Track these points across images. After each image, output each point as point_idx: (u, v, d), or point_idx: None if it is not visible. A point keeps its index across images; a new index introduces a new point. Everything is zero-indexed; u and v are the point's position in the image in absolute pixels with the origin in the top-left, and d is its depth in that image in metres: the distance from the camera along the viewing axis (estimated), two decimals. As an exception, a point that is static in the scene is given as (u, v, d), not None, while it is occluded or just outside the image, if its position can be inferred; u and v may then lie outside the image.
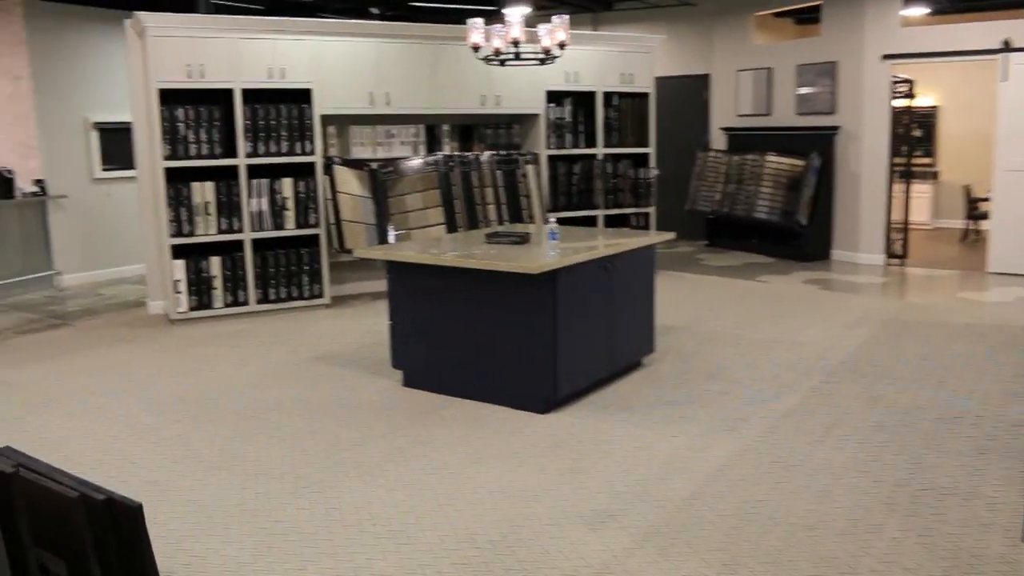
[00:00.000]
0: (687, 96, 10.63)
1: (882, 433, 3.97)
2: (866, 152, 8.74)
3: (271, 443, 4.03)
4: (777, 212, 9.11)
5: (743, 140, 9.93)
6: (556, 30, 4.88)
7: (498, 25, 4.93)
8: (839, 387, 4.66)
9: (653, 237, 5.16)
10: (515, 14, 4.70)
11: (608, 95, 8.23)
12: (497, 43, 4.89)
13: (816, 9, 9.26)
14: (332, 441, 4.03)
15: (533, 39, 4.99)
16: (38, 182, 8.24)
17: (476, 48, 4.93)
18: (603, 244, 4.79)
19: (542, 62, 4.95)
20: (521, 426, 4.16)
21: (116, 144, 8.61)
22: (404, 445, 3.95)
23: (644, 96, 8.41)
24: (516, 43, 4.73)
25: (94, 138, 8.69)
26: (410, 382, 4.85)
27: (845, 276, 8.15)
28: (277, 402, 4.64)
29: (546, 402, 4.33)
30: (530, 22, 6.63)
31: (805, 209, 8.88)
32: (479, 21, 4.92)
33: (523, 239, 4.81)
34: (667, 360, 5.25)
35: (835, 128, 8.93)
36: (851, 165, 8.89)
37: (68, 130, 8.52)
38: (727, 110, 10.29)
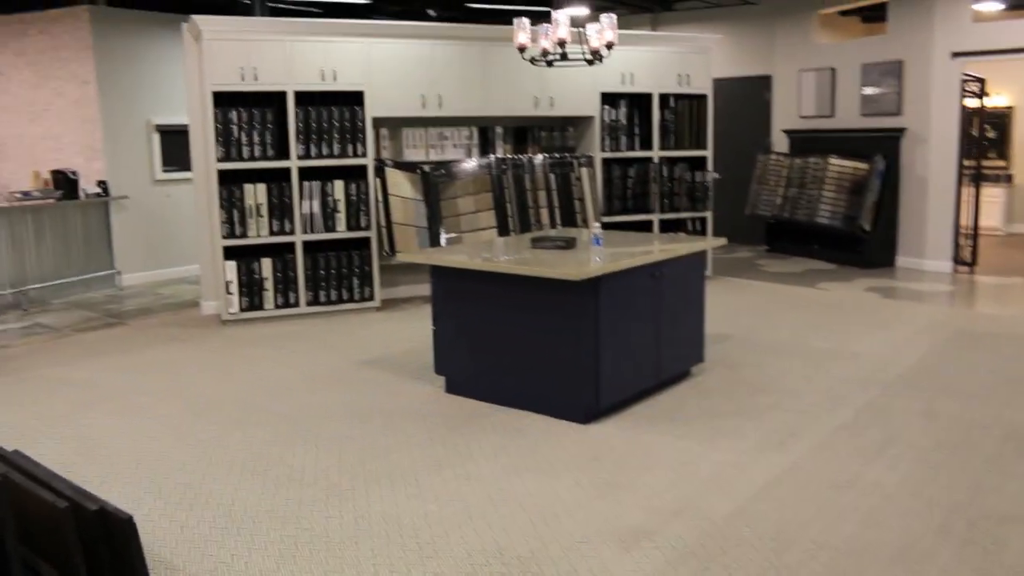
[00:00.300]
0: (748, 98, 10.38)
1: (940, 452, 3.77)
2: (934, 154, 8.40)
3: (307, 448, 4.00)
4: (839, 217, 8.82)
5: (805, 142, 9.65)
6: (604, 30, 4.77)
7: (545, 25, 4.84)
8: (896, 402, 4.45)
9: (704, 243, 5.00)
10: (562, 15, 4.60)
11: (664, 97, 8.06)
12: (545, 44, 4.79)
13: (883, 6, 8.94)
14: (368, 447, 3.99)
15: (582, 40, 4.88)
16: (101, 183, 8.43)
17: (522, 49, 4.84)
18: (651, 250, 4.66)
19: (590, 63, 4.84)
20: (561, 436, 4.06)
21: (176, 146, 8.76)
22: (440, 453, 3.89)
23: (702, 98, 8.22)
24: (562, 44, 4.63)
25: (156, 140, 8.86)
26: (453, 388, 4.79)
27: (909, 284, 7.84)
28: (318, 406, 4.62)
29: (588, 412, 4.22)
30: (588, 22, 6.56)
31: (868, 214, 8.58)
32: (525, 21, 4.84)
33: (569, 244, 4.70)
34: (717, 370, 5.09)
35: (901, 130, 8.61)
36: (918, 168, 8.55)
37: (131, 132, 8.70)
38: (789, 112, 10.01)
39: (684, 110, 8.19)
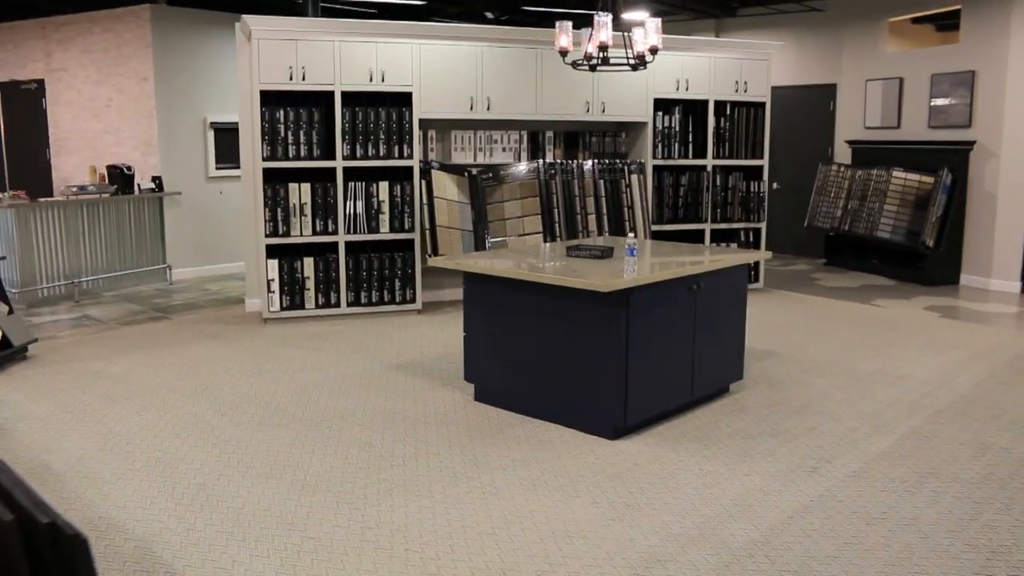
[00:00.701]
0: (811, 107, 10.08)
1: (987, 487, 3.53)
2: (1005, 169, 8.01)
3: (326, 453, 3.94)
4: (901, 232, 8.48)
5: (869, 154, 9.32)
6: (649, 34, 4.62)
7: (587, 29, 4.71)
8: (944, 430, 4.20)
9: (746, 256, 4.81)
10: (604, 18, 4.47)
11: (720, 104, 7.85)
12: (589, 48, 4.66)
13: (958, 13, 8.57)
14: (387, 455, 3.91)
15: (627, 44, 4.74)
16: (155, 179, 8.56)
17: (564, 53, 4.72)
18: (690, 261, 4.50)
19: (634, 68, 4.69)
20: (585, 452, 3.92)
21: (230, 144, 8.85)
22: (458, 464, 3.79)
23: (759, 105, 7.98)
24: (604, 48, 4.49)
25: (210, 137, 8.97)
26: (481, 397, 4.69)
27: (972, 304, 7.48)
28: (344, 410, 4.56)
29: (615, 428, 4.08)
30: (633, 26, 6.40)
31: (932, 229, 8.23)
32: (567, 24, 4.71)
33: (605, 253, 4.57)
34: (756, 388, 4.89)
35: (970, 143, 8.23)
36: (987, 183, 8.17)
37: (186, 129, 8.82)
38: (853, 122, 9.68)
39: (740, 118, 7.96)
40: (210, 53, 8.86)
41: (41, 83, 9.56)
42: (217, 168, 9.05)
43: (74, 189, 7.99)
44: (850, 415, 4.42)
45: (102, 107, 9.10)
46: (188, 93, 8.79)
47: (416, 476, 3.66)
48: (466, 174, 7.13)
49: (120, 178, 8.31)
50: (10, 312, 5.80)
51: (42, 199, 7.80)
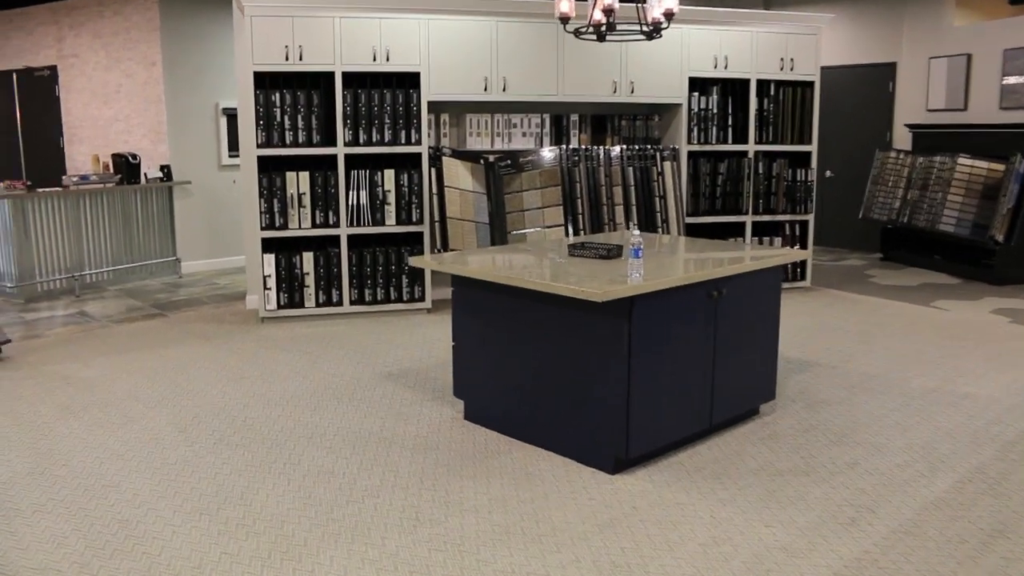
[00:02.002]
0: (868, 88, 9.25)
1: (1071, 550, 2.84)
2: (1088, 156, 7.15)
3: (277, 483, 3.40)
4: (967, 225, 7.66)
5: (931, 139, 8.48)
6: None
7: (594, -8, 4.08)
8: (1017, 471, 3.50)
9: (780, 256, 4.14)
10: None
11: (764, 83, 7.12)
12: (595, 13, 4.03)
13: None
14: (347, 488, 3.36)
15: (639, 11, 4.10)
16: (164, 168, 8.15)
17: (564, 20, 4.09)
18: (712, 262, 3.85)
19: (648, 36, 4.04)
20: (578, 490, 3.32)
21: (241, 130, 8.40)
22: (425, 503, 3.22)
23: (808, 85, 7.23)
24: (609, 12, 3.85)
25: (223, 124, 8.53)
26: (471, 416, 4.12)
27: (1050, 307, 6.66)
28: (315, 428, 4.03)
29: (616, 460, 3.47)
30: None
31: (1002, 222, 7.39)
32: (569, -13, 4.08)
33: (612, 253, 3.95)
34: (791, 410, 4.22)
35: (1048, 126, 7.38)
36: (1067, 172, 7.30)
37: (197, 116, 8.39)
38: (914, 104, 8.84)
39: (787, 99, 7.23)
40: (221, 35, 8.40)
41: (54, 69, 9.24)
42: (230, 156, 8.60)
43: (75, 179, 7.61)
44: (900, 447, 3.73)
45: (112, 93, 8.72)
46: (198, 78, 8.35)
47: (373, 517, 3.10)
48: (481, 161, 6.55)
49: (125, 167, 7.91)
50: (-18, 311, 5.40)
51: (41, 189, 7.43)
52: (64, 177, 7.63)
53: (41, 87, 9.41)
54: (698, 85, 6.99)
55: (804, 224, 7.37)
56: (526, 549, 2.86)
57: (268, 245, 6.19)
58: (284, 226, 6.18)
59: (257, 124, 6.03)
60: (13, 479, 3.48)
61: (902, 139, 8.95)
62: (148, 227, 8.14)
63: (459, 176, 6.46)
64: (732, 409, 3.92)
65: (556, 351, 3.60)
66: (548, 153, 6.77)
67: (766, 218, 7.26)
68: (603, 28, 3.95)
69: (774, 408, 4.22)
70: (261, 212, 6.13)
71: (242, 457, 3.68)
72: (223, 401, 4.44)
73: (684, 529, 2.98)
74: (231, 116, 8.51)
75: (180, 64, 8.22)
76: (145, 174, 8.04)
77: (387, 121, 6.25)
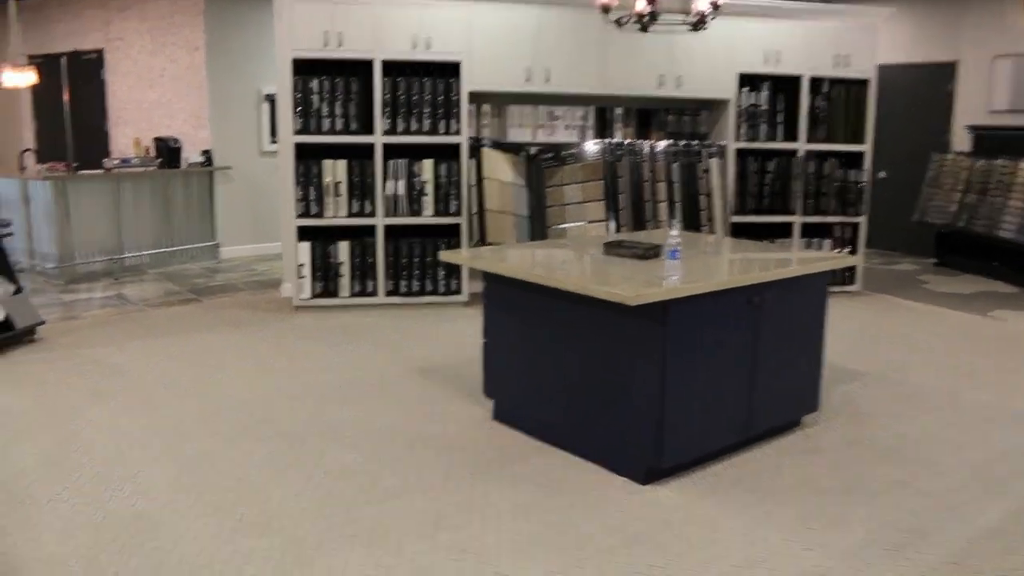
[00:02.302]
0: (926, 87, 8.91)
1: None
2: None
3: (298, 480, 3.31)
4: (1029, 232, 7.32)
5: (993, 141, 8.14)
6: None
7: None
8: (1079, 495, 3.27)
9: (826, 262, 3.93)
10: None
11: (816, 81, 6.86)
12: (640, 4, 3.86)
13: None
14: (367, 487, 3.25)
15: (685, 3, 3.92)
16: (205, 152, 8.14)
17: (606, 9, 3.92)
18: (754, 266, 3.67)
19: (694, 28, 3.86)
20: (607, 500, 3.17)
21: (283, 117, 8.35)
22: (448, 507, 3.10)
23: (862, 83, 6.95)
24: (653, 0, 3.68)
25: (264, 110, 8.49)
26: (501, 416, 3.99)
27: (1115, 321, 6.33)
28: (339, 423, 3.93)
29: (648, 470, 3.31)
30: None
31: (1067, 231, 7.05)
32: (613, -26, 3.92)
33: (649, 253, 3.78)
34: (834, 423, 4.02)
35: (1119, 130, 7.02)
36: None
37: (239, 101, 8.36)
38: (976, 105, 8.49)
39: (840, 97, 6.96)
40: (264, 21, 8.33)
41: (100, 53, 9.28)
42: (272, 142, 8.55)
43: (116, 162, 7.62)
44: (954, 467, 3.52)
45: (156, 77, 8.73)
46: (241, 63, 8.31)
47: (391, 520, 2.99)
48: (523, 154, 6.41)
49: (166, 151, 7.92)
50: (17, 291, 5.40)
51: (82, 172, 7.46)
52: (105, 160, 7.65)
53: (88, 70, 9.46)
54: (748, 81, 6.75)
55: (855, 227, 7.10)
56: (549, 562, 2.72)
57: (304, 233, 6.12)
58: (320, 214, 6.10)
59: (294, 111, 5.96)
60: (34, 466, 3.43)
61: (961, 141, 8.61)
62: (188, 212, 8.14)
63: (499, 168, 6.32)
64: (772, 420, 3.73)
65: (589, 353, 3.45)
66: (591, 147, 6.60)
67: (816, 219, 7.00)
68: (646, 18, 3.78)
69: (817, 420, 4.02)
70: (297, 200, 6.05)
71: (262, 452, 3.59)
72: (249, 392, 4.37)
73: (716, 549, 2.82)
74: (273, 102, 8.45)
75: (223, 49, 8.19)
76: (186, 159, 8.04)
77: (426, 110, 6.14)
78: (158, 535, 2.86)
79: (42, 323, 5.47)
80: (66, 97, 9.85)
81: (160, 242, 7.94)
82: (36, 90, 9.77)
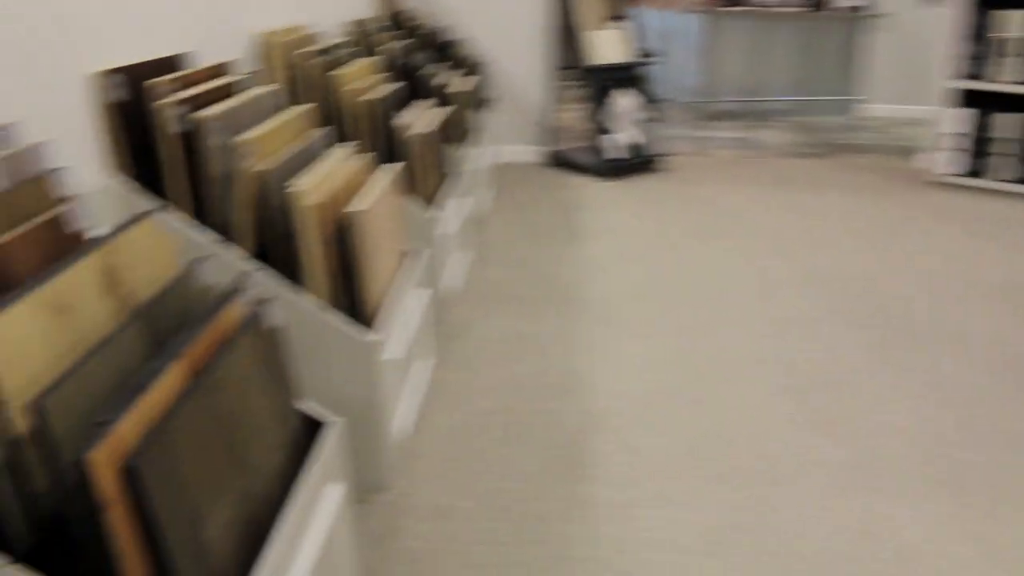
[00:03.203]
0: None
1: None
2: None
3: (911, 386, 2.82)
4: None
5: None
6: None
7: None
8: None
9: None
10: None
11: None
12: None
13: None
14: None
15: None
16: (859, -3, 7.39)
17: None
18: None
19: None
20: None
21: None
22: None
23: None
24: None
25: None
26: None
27: None
28: (972, 336, 3.27)
29: None
30: None
31: None
32: None
33: None
34: None
35: None
36: None
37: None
38: None
39: None
40: None
41: None
42: (941, -12, 7.41)
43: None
44: None
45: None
46: None
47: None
48: None
49: (819, -7, 7.35)
50: (656, 121, 5.58)
51: (724, 8, 7.34)
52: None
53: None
54: None
55: None
56: None
57: (961, 98, 5.20)
58: (988, 77, 5.09)
59: (988, -55, 4.92)
60: (637, 286, 3.49)
61: None
62: (832, 60, 7.57)
63: None
64: None
65: None
66: None
67: None
68: None
69: None
70: (960, 56, 5.11)
71: (867, 341, 3.15)
72: (859, 268, 3.90)
73: None
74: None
75: None
76: (834, 3, 7.39)
77: None
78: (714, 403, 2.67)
79: (671, 155, 5.60)
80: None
81: (799, 90, 7.57)
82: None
